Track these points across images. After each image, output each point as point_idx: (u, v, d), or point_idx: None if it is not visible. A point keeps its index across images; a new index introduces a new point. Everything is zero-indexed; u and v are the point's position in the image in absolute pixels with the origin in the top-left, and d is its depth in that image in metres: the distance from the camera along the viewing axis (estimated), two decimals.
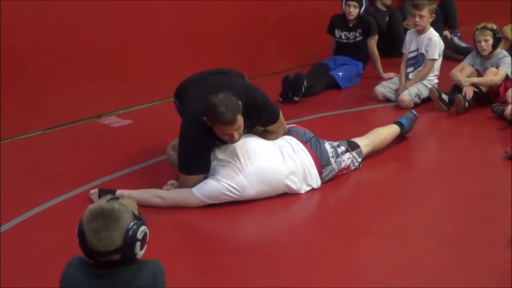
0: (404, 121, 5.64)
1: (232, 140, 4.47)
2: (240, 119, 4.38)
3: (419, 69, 6.73)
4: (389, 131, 5.53)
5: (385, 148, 5.48)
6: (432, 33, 6.66)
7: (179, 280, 3.54)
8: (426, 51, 6.63)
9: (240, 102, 4.39)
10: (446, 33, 8.49)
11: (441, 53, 6.72)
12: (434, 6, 6.84)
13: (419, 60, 6.72)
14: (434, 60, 6.63)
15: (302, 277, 3.82)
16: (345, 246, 4.18)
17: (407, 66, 6.81)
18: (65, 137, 5.98)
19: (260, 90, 4.81)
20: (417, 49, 6.71)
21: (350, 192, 5.01)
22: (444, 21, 8.56)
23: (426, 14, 6.59)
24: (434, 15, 6.73)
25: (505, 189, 4.88)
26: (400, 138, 5.68)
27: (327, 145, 4.94)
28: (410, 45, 6.77)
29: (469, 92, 6.36)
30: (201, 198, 4.53)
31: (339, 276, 3.80)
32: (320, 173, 4.85)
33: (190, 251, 4.21)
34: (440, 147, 5.82)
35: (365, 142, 5.24)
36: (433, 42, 6.60)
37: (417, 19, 6.62)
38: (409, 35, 6.85)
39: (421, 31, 6.66)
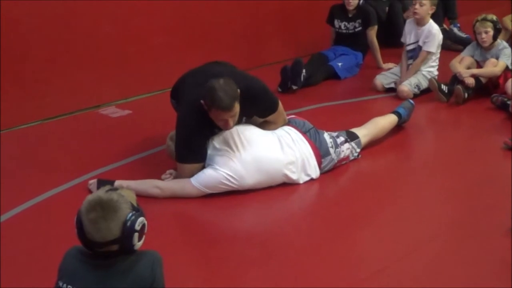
0: (401, 111, 5.64)
1: (226, 127, 4.47)
2: (236, 107, 4.39)
3: None
4: (388, 120, 5.54)
5: (384, 138, 5.49)
6: (432, 26, 6.61)
7: (176, 271, 3.55)
8: (424, 43, 6.60)
9: (238, 90, 4.39)
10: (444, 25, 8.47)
11: (440, 46, 6.70)
12: None
13: (418, 52, 6.70)
14: (430, 52, 6.61)
15: (300, 267, 3.82)
16: (344, 236, 4.19)
17: (408, 57, 6.78)
18: (64, 127, 5.97)
19: (258, 79, 4.82)
20: (417, 41, 6.68)
21: (349, 182, 5.01)
22: (444, 11, 8.54)
23: (426, 3, 6.54)
24: (434, 7, 6.69)
25: (504, 179, 4.89)
26: (399, 128, 5.68)
27: (326, 135, 4.94)
28: (410, 36, 6.74)
29: (470, 81, 6.34)
30: (199, 188, 4.53)
31: (338, 266, 3.81)
32: (320, 164, 4.85)
33: (188, 242, 4.21)
34: (440, 137, 5.82)
35: (364, 132, 5.24)
36: (432, 35, 6.56)
37: (417, 6, 6.56)
38: (408, 26, 6.80)
39: (420, 22, 6.62)
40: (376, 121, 5.45)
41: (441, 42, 6.66)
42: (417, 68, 6.63)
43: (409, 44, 6.74)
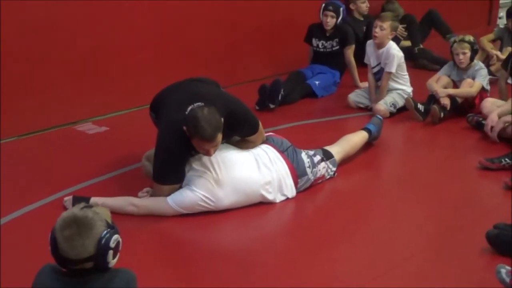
0: (371, 127, 5.70)
1: (208, 155, 4.47)
2: (219, 137, 4.38)
3: None
4: (359, 137, 5.59)
5: (360, 156, 5.52)
6: (390, 46, 6.64)
7: None
8: (385, 64, 6.65)
9: (222, 120, 4.38)
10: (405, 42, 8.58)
11: (402, 64, 6.72)
12: (397, 24, 6.86)
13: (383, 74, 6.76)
14: (390, 73, 6.65)
15: (277, 285, 3.81)
16: (319, 254, 4.18)
17: (376, 80, 6.83)
18: (40, 143, 5.94)
19: (240, 101, 4.81)
20: (379, 63, 6.73)
21: (325, 201, 5.01)
22: (438, 30, 8.69)
23: (387, 28, 6.59)
24: (394, 32, 6.74)
25: (479, 198, 4.93)
26: (374, 146, 5.72)
27: (303, 155, 4.94)
28: (373, 59, 6.79)
29: (446, 101, 6.40)
30: (175, 208, 4.51)
31: (314, 284, 3.80)
32: (296, 183, 4.85)
33: (163, 260, 4.19)
34: (415, 157, 5.84)
35: (337, 150, 5.27)
36: (390, 55, 6.60)
37: (377, 29, 6.61)
38: (369, 48, 6.84)
39: (379, 45, 6.67)
40: (348, 138, 5.50)
41: (402, 60, 6.69)
42: (385, 89, 6.70)
43: (374, 67, 6.80)
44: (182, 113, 4.42)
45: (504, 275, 3.58)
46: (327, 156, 5.12)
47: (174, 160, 4.53)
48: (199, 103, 4.42)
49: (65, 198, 4.64)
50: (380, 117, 5.92)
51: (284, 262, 4.09)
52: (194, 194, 4.50)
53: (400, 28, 8.20)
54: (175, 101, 4.65)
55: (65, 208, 4.47)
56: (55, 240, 2.65)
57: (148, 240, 4.35)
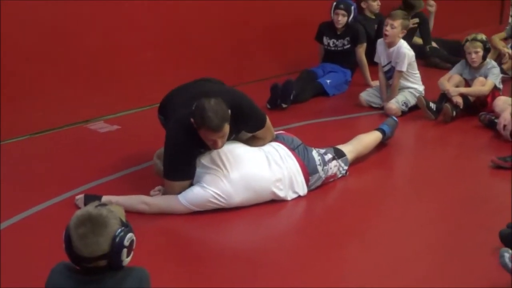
0: (385, 128, 5.68)
1: (215, 147, 4.47)
2: (226, 128, 4.39)
3: None
4: (372, 137, 5.57)
5: (370, 155, 5.51)
6: (401, 45, 6.62)
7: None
8: (396, 63, 6.63)
9: (229, 111, 4.39)
10: (417, 38, 8.54)
11: (413, 62, 6.69)
12: (407, 22, 6.84)
13: (394, 72, 6.74)
14: (401, 72, 6.62)
15: (286, 284, 3.81)
16: (330, 253, 4.18)
17: (386, 78, 6.82)
18: (52, 142, 5.95)
19: (246, 96, 4.81)
20: (390, 62, 6.71)
21: (336, 199, 5.01)
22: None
23: (397, 26, 6.57)
24: (405, 30, 6.72)
25: (491, 197, 4.91)
26: (386, 145, 5.71)
27: (314, 152, 4.94)
28: (383, 57, 6.77)
29: (459, 100, 6.38)
30: (186, 205, 4.52)
31: (324, 283, 3.80)
32: (307, 181, 4.85)
33: (174, 258, 4.19)
34: (427, 155, 5.82)
35: (349, 149, 5.26)
36: (401, 54, 6.57)
37: (388, 28, 6.59)
38: (380, 47, 6.82)
39: (390, 44, 6.65)
40: (361, 138, 5.48)
41: (413, 59, 6.67)
42: (396, 88, 6.68)
43: (384, 66, 6.78)
44: (188, 108, 4.44)
45: (507, 260, 3.55)
46: (339, 154, 5.11)
47: (183, 155, 4.53)
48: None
49: (77, 197, 4.65)
50: (395, 118, 5.89)
51: (294, 261, 4.09)
52: (205, 191, 4.51)
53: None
54: (180, 100, 4.69)
55: (77, 207, 4.48)
56: (69, 238, 2.66)
57: (159, 239, 4.36)
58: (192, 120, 4.39)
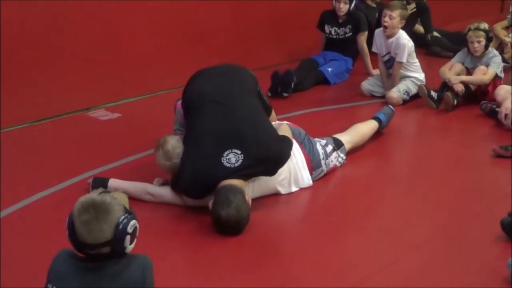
0: (381, 116, 5.68)
1: None
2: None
3: None
4: (369, 126, 5.57)
5: (372, 144, 5.53)
6: (400, 36, 6.60)
7: (167, 275, 3.55)
8: (396, 54, 6.61)
9: (248, 214, 4.22)
10: (419, 27, 8.53)
11: (412, 52, 6.67)
12: (406, 12, 6.83)
13: (393, 62, 6.73)
14: (401, 62, 6.60)
15: (290, 272, 3.83)
16: (333, 242, 4.18)
17: (386, 68, 6.80)
18: (53, 130, 5.95)
19: (282, 142, 4.58)
20: (389, 52, 6.69)
21: (338, 189, 5.00)
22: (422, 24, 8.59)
23: (396, 17, 6.55)
24: (404, 21, 6.69)
25: (493, 186, 4.91)
26: (385, 134, 5.71)
27: (318, 146, 4.91)
28: (382, 48, 6.75)
29: (459, 88, 6.37)
30: (192, 200, 4.50)
31: (327, 272, 3.81)
32: (310, 175, 4.83)
33: (178, 246, 4.19)
34: (428, 144, 5.82)
35: (347, 139, 5.24)
36: (401, 45, 6.56)
37: (387, 19, 6.57)
38: (378, 37, 6.78)
39: (389, 35, 6.63)
40: (358, 127, 5.47)
41: (412, 49, 6.65)
42: (397, 78, 6.67)
43: (384, 56, 6.77)
44: (213, 162, 4.28)
45: None
46: (338, 144, 5.10)
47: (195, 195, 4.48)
48: (234, 151, 4.28)
49: (89, 180, 4.67)
50: (392, 107, 5.88)
51: (297, 249, 4.09)
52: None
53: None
54: (209, 132, 4.40)
55: (89, 189, 4.48)
56: (72, 225, 2.66)
57: (163, 226, 4.35)
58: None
